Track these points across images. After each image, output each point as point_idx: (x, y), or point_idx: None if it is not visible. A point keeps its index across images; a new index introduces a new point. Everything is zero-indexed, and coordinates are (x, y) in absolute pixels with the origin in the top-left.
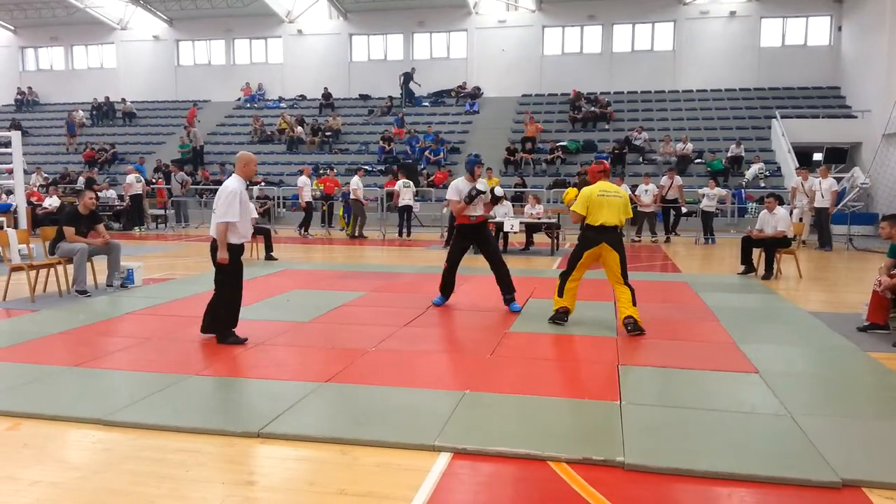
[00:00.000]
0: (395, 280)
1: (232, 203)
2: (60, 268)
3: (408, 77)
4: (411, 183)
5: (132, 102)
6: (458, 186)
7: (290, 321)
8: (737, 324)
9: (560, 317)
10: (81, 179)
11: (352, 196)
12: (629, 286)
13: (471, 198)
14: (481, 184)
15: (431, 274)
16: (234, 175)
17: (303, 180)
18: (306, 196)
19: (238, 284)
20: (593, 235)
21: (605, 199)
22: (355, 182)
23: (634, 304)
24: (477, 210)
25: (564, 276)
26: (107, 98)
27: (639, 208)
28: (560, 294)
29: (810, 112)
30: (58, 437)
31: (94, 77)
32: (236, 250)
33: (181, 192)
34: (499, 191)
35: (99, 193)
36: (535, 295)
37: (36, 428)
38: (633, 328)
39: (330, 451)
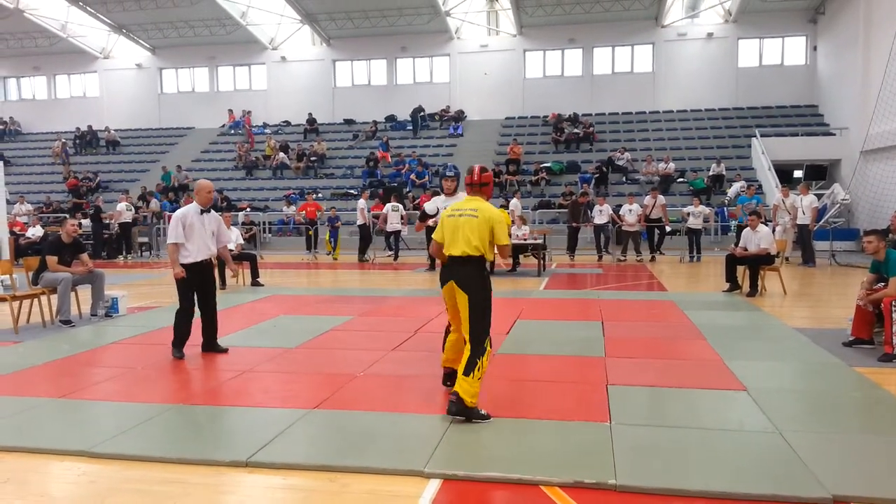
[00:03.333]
0: (382, 304)
1: (175, 227)
2: (44, 298)
3: (417, 110)
4: (399, 206)
5: (116, 131)
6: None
7: (278, 347)
8: (723, 341)
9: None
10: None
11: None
12: (480, 348)
13: (421, 219)
14: (430, 205)
15: (419, 297)
16: (193, 202)
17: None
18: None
19: (189, 301)
20: (443, 271)
21: (455, 221)
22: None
23: (469, 373)
24: None
25: (447, 330)
26: (90, 127)
27: (623, 227)
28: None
29: (789, 130)
30: (41, 470)
31: (76, 106)
32: (189, 268)
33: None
34: (430, 208)
35: (110, 222)
36: (522, 316)
37: (18, 462)
38: (456, 409)
39: (319, 479)
